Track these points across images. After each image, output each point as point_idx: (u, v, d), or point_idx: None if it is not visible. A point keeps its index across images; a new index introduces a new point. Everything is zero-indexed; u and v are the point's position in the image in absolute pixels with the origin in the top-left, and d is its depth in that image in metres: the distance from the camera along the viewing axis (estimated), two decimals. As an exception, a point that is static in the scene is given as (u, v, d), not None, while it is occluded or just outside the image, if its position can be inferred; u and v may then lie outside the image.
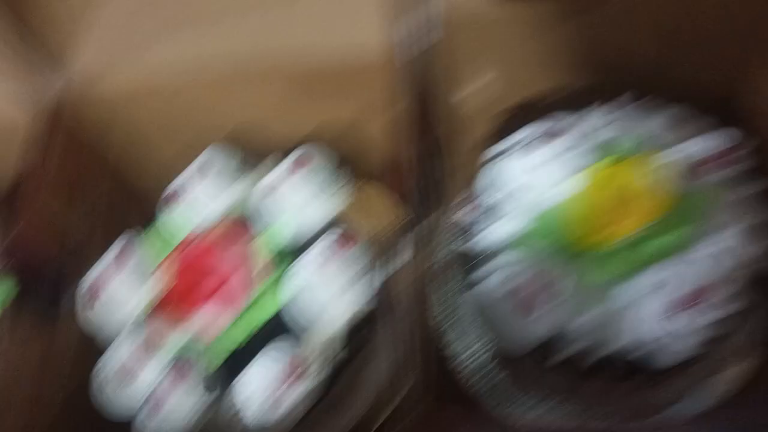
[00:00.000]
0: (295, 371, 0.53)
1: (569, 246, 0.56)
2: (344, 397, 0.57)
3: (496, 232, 0.59)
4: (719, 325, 0.52)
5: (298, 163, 0.61)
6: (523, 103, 0.72)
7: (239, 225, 0.60)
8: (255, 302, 0.57)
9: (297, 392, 0.53)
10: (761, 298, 0.55)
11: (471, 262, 0.59)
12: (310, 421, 0.55)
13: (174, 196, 0.63)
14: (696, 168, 0.57)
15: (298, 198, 0.60)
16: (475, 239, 0.60)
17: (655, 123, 0.60)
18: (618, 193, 0.55)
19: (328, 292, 0.56)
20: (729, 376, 0.58)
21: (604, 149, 0.58)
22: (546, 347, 0.55)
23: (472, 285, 0.58)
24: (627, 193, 0.55)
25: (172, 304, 0.58)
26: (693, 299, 0.51)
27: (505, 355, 0.57)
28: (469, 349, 0.61)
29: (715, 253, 0.53)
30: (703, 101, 0.65)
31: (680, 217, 0.54)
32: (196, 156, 0.64)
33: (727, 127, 0.64)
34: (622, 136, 0.59)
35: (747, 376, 0.58)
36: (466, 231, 0.61)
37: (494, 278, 0.56)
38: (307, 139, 0.72)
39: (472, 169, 0.62)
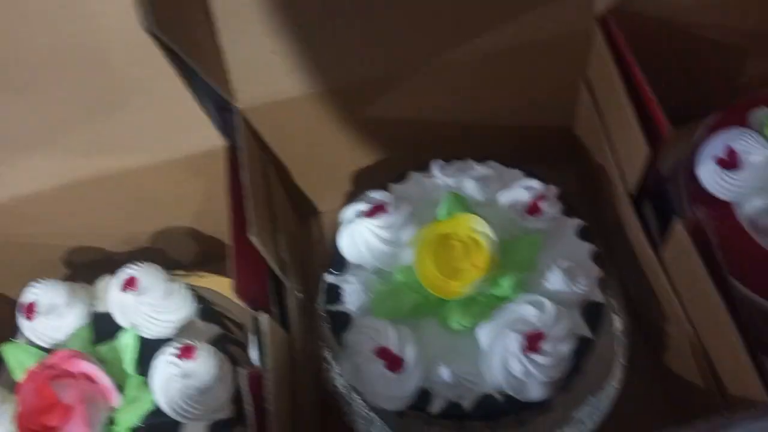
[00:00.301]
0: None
1: (423, 301, 0.57)
2: None
3: (356, 293, 0.59)
4: (567, 362, 0.54)
5: (135, 279, 0.60)
6: (357, 172, 0.75)
7: (80, 353, 0.58)
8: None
9: None
10: (596, 330, 0.56)
11: (341, 323, 0.59)
12: None
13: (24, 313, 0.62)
14: (515, 216, 0.59)
15: (139, 314, 0.60)
16: (341, 301, 0.60)
17: (472, 181, 0.62)
18: (450, 251, 0.56)
19: (180, 409, 0.55)
20: (605, 397, 0.60)
21: (432, 211, 0.60)
22: (426, 396, 0.55)
23: (345, 347, 0.58)
24: (459, 248, 0.56)
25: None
26: (533, 341, 0.52)
27: (389, 410, 0.56)
28: (356, 408, 0.61)
29: (546, 294, 0.55)
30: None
31: (509, 265, 0.56)
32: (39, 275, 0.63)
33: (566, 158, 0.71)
34: (445, 196, 0.60)
35: (619, 395, 0.60)
36: (333, 293, 0.61)
37: (361, 339, 0.56)
38: (151, 243, 0.72)
39: (333, 235, 0.63)
